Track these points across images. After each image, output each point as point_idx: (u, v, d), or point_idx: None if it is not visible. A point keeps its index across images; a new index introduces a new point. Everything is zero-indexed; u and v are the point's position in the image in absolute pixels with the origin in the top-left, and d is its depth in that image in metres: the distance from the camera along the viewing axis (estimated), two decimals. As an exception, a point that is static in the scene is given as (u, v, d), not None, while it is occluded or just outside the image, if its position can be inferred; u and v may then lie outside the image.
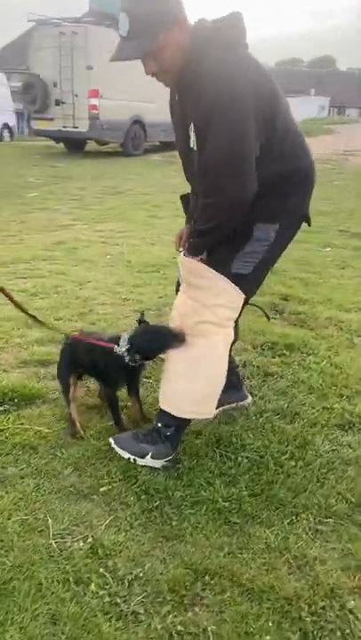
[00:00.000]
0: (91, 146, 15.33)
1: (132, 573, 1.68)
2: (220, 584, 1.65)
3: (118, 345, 2.16)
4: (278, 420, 2.50)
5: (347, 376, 2.91)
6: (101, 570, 1.68)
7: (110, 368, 2.25)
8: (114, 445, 2.18)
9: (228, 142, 1.76)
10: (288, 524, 1.90)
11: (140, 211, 7.51)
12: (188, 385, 2.06)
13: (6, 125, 19.73)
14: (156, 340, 2.13)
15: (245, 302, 2.09)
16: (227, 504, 1.97)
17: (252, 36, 1.79)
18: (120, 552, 1.76)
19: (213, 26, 1.82)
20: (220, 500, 1.98)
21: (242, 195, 1.81)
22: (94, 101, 12.98)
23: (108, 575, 1.66)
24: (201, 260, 2.00)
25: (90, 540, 1.80)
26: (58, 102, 13.39)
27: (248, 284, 2.03)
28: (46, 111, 13.59)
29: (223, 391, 2.17)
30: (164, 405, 2.13)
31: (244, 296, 2.02)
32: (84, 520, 1.89)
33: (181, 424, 2.16)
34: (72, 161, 13.17)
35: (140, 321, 2.24)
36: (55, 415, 2.49)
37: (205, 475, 2.11)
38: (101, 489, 2.02)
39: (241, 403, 2.59)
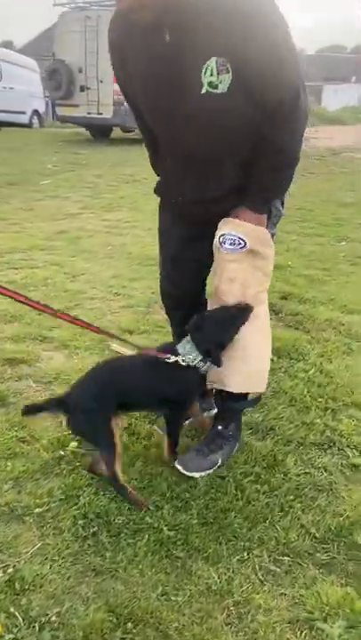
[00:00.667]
0: (117, 133, 15.12)
1: (46, 615, 1.48)
2: (142, 634, 1.44)
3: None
4: (249, 435, 2.26)
5: (336, 387, 2.64)
6: (12, 609, 1.49)
7: (188, 387, 1.97)
8: (183, 472, 1.98)
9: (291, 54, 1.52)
10: (237, 561, 1.68)
11: (153, 200, 7.22)
12: (266, 357, 2.02)
13: (36, 112, 19.68)
14: (227, 323, 1.88)
15: None
16: (172, 533, 1.75)
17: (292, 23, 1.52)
18: (40, 587, 1.57)
19: None
20: (165, 528, 1.77)
21: (297, 92, 1.57)
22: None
23: (18, 615, 1.47)
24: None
25: (10, 570, 1.61)
26: (83, 88, 13.20)
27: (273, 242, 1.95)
28: (71, 97, 13.42)
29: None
30: (241, 388, 1.99)
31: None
32: (10, 545, 1.70)
33: (240, 415, 2.12)
34: (95, 148, 12.98)
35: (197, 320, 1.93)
36: (9, 421, 2.30)
37: (155, 497, 1.90)
38: (37, 510, 1.83)
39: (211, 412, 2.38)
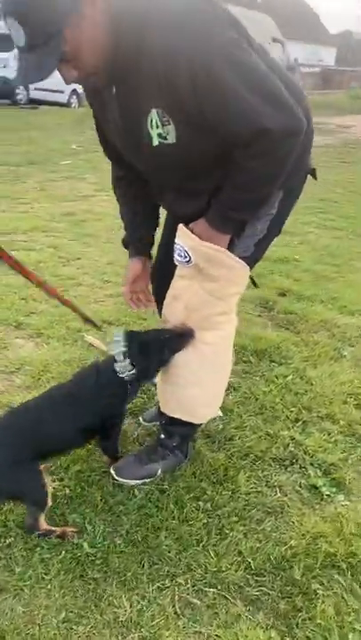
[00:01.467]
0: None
1: None
2: (27, 667, 1.30)
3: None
4: (205, 445, 2.08)
5: (314, 396, 2.43)
6: None
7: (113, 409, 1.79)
8: (117, 478, 1.85)
9: (245, 86, 1.27)
10: (157, 588, 1.52)
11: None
12: (206, 387, 1.81)
13: (75, 91, 19.59)
14: (155, 348, 1.72)
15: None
16: (93, 551, 1.60)
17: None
18: None
19: None
20: (85, 545, 1.62)
21: (295, 122, 1.33)
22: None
23: None
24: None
25: None
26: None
27: (250, 264, 1.69)
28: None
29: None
30: (176, 414, 1.83)
31: (248, 269, 1.69)
32: None
33: (191, 431, 1.93)
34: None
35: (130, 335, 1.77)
36: None
37: (84, 509, 1.75)
38: None
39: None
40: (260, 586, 1.55)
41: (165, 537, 1.66)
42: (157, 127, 1.41)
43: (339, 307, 3.41)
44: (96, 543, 1.63)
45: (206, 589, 1.53)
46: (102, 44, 1.32)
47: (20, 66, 1.33)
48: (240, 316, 2.81)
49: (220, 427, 2.18)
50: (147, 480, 1.85)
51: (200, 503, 1.80)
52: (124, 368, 1.70)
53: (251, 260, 1.68)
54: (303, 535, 1.70)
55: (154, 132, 1.42)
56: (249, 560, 1.61)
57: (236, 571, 1.58)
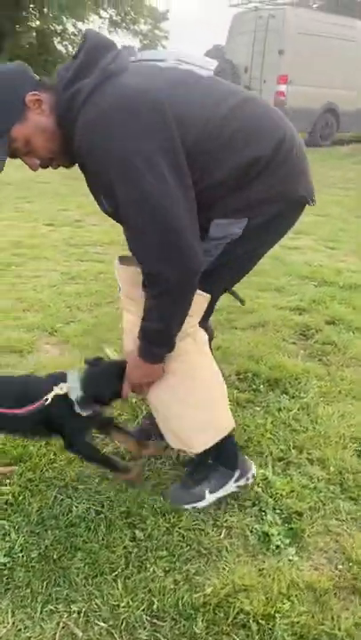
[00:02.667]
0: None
1: None
2: None
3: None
4: (166, 470, 1.98)
5: (313, 435, 2.21)
6: None
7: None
8: (174, 503, 1.83)
9: (149, 221, 1.40)
10: (47, 611, 1.48)
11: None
12: (188, 417, 1.72)
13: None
14: (114, 381, 1.72)
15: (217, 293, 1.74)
16: (5, 560, 1.62)
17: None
18: None
19: (62, 79, 1.46)
20: (1, 554, 1.62)
21: (188, 276, 1.45)
22: (282, 88, 12.41)
23: None
24: None
25: None
26: (247, 88, 13.08)
27: (213, 278, 1.60)
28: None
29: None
30: (178, 446, 1.80)
31: (208, 297, 1.64)
32: None
33: (220, 446, 1.79)
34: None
35: (90, 362, 1.81)
36: None
37: (16, 517, 1.76)
38: None
39: None
40: (154, 631, 1.44)
41: (81, 559, 1.61)
42: (109, 207, 1.49)
43: (389, 343, 3.08)
44: (12, 553, 1.63)
45: (96, 622, 1.45)
46: (51, 137, 1.48)
47: None
48: (272, 342, 2.70)
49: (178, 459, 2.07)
50: (198, 504, 1.81)
51: (135, 531, 1.72)
52: (82, 408, 1.70)
53: (213, 277, 1.58)
54: (226, 585, 1.55)
55: (109, 209, 1.51)
56: (155, 600, 1.50)
57: (136, 609, 1.48)
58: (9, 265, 4.26)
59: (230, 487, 1.85)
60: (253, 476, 1.90)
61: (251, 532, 1.76)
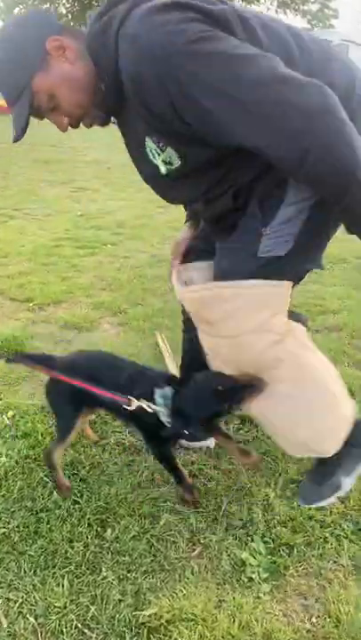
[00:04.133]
0: None
1: None
2: None
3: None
4: (161, 470, 1.85)
5: (287, 470, 1.91)
6: None
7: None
8: (307, 506, 1.68)
9: (248, 85, 1.07)
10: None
11: None
12: (313, 423, 1.49)
13: None
14: (218, 400, 1.49)
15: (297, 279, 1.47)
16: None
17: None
18: None
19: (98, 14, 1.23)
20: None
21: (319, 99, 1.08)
22: None
23: None
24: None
25: None
26: None
27: (290, 266, 1.38)
28: None
29: None
30: (307, 454, 1.65)
31: (290, 283, 1.41)
32: None
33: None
34: None
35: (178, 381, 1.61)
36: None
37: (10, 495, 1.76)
38: None
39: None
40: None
41: (39, 547, 1.56)
42: (158, 155, 1.28)
43: None
44: None
45: (27, 617, 1.39)
46: (79, 86, 1.27)
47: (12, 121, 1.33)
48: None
49: (196, 456, 1.91)
50: (339, 494, 1.61)
51: (105, 529, 1.63)
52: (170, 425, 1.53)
53: (292, 259, 1.35)
54: (173, 609, 1.39)
55: (158, 161, 1.30)
56: (92, 608, 1.40)
57: (71, 612, 1.39)
58: (105, 244, 4.34)
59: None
60: None
61: (228, 555, 1.57)
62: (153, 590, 1.45)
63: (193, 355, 1.71)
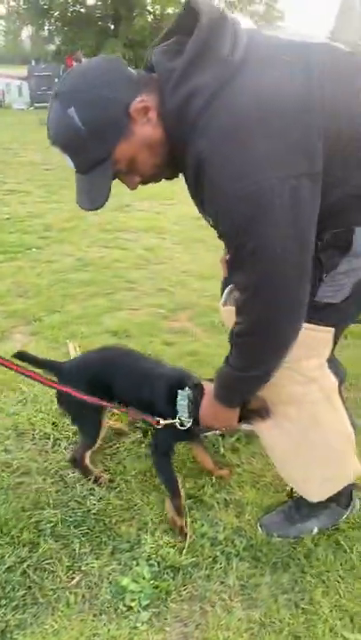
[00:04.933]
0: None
1: None
2: None
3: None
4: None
5: (240, 473, 1.85)
6: None
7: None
8: (265, 534, 1.63)
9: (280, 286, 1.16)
10: None
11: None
12: (307, 468, 1.53)
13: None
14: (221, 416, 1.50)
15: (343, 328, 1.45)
16: None
17: None
18: None
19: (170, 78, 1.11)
20: None
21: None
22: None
23: None
24: None
25: None
26: (353, 70, 12.16)
27: (341, 312, 1.36)
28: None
29: None
30: (293, 486, 1.66)
31: (331, 330, 1.37)
32: None
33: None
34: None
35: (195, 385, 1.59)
36: None
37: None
38: None
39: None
40: None
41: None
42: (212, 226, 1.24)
43: None
44: None
45: None
46: (159, 150, 1.19)
47: (78, 191, 1.23)
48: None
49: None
50: (302, 536, 1.62)
51: (-21, 560, 1.51)
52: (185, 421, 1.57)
53: (344, 308, 1.33)
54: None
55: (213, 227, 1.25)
56: None
57: None
58: (29, 248, 4.19)
59: (337, 522, 1.65)
60: (357, 508, 1.69)
61: (109, 582, 1.48)
62: (21, 627, 1.35)
63: None
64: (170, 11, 23.26)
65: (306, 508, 1.62)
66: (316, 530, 1.62)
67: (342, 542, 1.60)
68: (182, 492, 1.66)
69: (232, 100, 1.06)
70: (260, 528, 1.64)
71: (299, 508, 1.64)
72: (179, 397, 1.57)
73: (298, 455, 1.51)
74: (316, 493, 1.56)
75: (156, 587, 1.46)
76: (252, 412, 1.47)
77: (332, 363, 1.46)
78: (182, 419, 1.56)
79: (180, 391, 1.57)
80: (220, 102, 1.06)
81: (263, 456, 1.92)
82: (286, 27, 22.72)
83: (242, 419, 1.49)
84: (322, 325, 1.33)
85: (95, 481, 1.76)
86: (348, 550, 1.58)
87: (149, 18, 22.93)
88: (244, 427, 1.89)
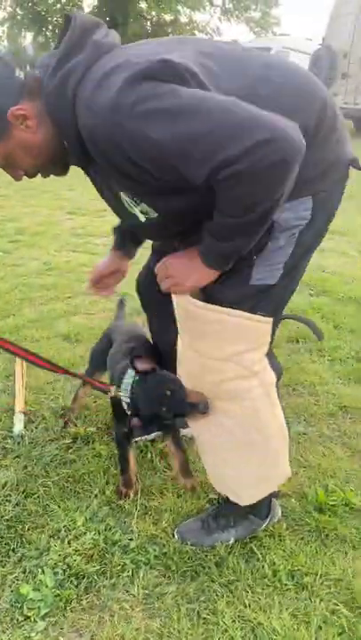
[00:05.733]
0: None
1: None
2: None
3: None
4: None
5: (104, 491, 1.82)
6: None
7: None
8: (180, 541, 1.61)
9: (180, 132, 1.04)
10: None
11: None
12: (240, 469, 1.51)
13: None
14: (161, 404, 1.48)
15: (278, 320, 1.46)
16: None
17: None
18: None
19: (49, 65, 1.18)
20: None
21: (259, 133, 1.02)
22: (382, 75, 11.37)
23: None
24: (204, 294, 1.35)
25: None
26: (344, 75, 12.17)
27: (278, 294, 1.37)
28: (331, 86, 12.50)
29: None
30: (224, 492, 1.61)
31: (270, 321, 1.36)
32: None
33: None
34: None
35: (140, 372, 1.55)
36: None
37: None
38: None
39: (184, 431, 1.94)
40: None
41: None
42: (136, 206, 1.25)
43: None
44: None
45: None
46: (36, 153, 1.25)
47: None
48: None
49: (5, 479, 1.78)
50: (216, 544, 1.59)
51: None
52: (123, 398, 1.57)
53: (280, 290, 1.35)
54: None
55: (136, 212, 1.27)
56: None
57: None
58: (-3, 251, 4.18)
59: (256, 532, 1.63)
60: (277, 517, 1.67)
61: (11, 591, 1.45)
62: None
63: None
64: (167, 17, 23.43)
65: (224, 518, 1.61)
66: (232, 540, 1.60)
67: (256, 551, 1.57)
68: (134, 466, 1.75)
69: (104, 63, 1.12)
70: (175, 535, 1.61)
71: (217, 517, 1.62)
72: (127, 375, 1.57)
73: (236, 454, 1.48)
74: (248, 496, 1.53)
75: (58, 595, 1.43)
76: (191, 405, 1.43)
77: (270, 358, 1.45)
78: (122, 397, 1.55)
79: (129, 370, 1.56)
80: (93, 69, 1.12)
81: (190, 462, 1.89)
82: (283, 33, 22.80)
83: (180, 414, 1.48)
84: (261, 314, 1.33)
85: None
86: (260, 559, 1.54)
87: (147, 24, 23.07)
88: (184, 432, 1.88)
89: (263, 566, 1.52)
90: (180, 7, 22.91)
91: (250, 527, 1.61)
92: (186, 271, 1.29)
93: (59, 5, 21.79)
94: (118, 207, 1.31)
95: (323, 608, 1.40)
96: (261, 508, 1.61)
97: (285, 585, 1.47)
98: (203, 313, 1.33)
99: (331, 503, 1.71)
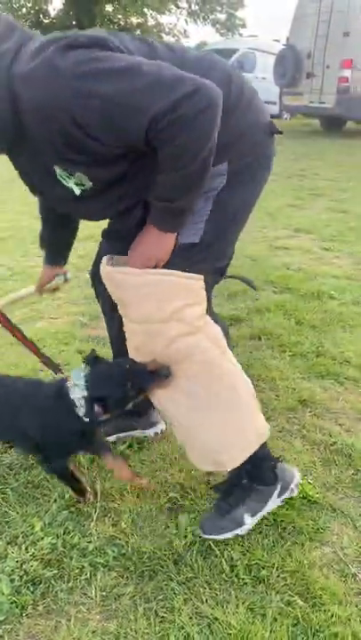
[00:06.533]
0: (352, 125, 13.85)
1: None
2: None
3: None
4: None
5: (63, 496, 1.82)
6: None
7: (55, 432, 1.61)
8: (206, 536, 1.59)
9: (115, 91, 1.17)
10: None
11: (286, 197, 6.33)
12: (213, 429, 1.50)
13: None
14: (124, 379, 1.49)
15: (213, 277, 1.56)
16: None
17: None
18: None
19: None
20: None
21: (186, 90, 1.17)
22: (346, 73, 11.49)
23: None
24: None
25: None
26: (308, 75, 12.31)
27: (205, 252, 1.47)
28: (296, 85, 12.65)
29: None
30: (206, 466, 1.60)
31: (202, 278, 1.45)
32: None
33: (254, 459, 1.56)
34: (314, 141, 12.07)
35: (90, 360, 1.57)
36: None
37: None
38: None
39: (146, 431, 2.04)
40: None
41: None
42: (70, 178, 1.32)
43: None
44: None
45: None
46: None
47: None
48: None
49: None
50: (239, 531, 1.58)
51: None
52: (85, 412, 1.51)
53: (205, 248, 1.45)
54: None
55: (71, 184, 1.33)
56: None
57: None
58: None
59: (275, 503, 1.64)
60: (298, 485, 1.67)
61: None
62: None
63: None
64: (134, 20, 23.45)
65: (231, 497, 1.61)
66: (247, 518, 1.58)
67: (214, 547, 1.57)
68: (82, 477, 1.74)
69: (32, 44, 1.21)
70: (200, 533, 1.59)
71: (225, 498, 1.62)
72: (72, 375, 1.55)
73: (205, 414, 1.48)
74: (229, 459, 1.52)
75: (14, 602, 1.42)
76: (154, 373, 1.45)
77: (213, 316, 1.53)
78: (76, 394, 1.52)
79: (73, 371, 1.56)
80: (22, 50, 1.21)
81: (151, 462, 1.90)
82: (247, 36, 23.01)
83: (144, 387, 1.50)
84: (192, 272, 1.42)
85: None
86: (218, 555, 1.55)
87: (114, 27, 23.04)
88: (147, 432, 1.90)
89: (221, 562, 1.53)
90: (145, 10, 22.97)
91: (262, 497, 1.61)
92: (156, 246, 1.39)
93: (24, 10, 21.65)
94: (49, 183, 1.35)
95: (278, 600, 1.42)
96: (263, 475, 1.60)
97: (242, 579, 1.48)
98: (134, 279, 1.40)
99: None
